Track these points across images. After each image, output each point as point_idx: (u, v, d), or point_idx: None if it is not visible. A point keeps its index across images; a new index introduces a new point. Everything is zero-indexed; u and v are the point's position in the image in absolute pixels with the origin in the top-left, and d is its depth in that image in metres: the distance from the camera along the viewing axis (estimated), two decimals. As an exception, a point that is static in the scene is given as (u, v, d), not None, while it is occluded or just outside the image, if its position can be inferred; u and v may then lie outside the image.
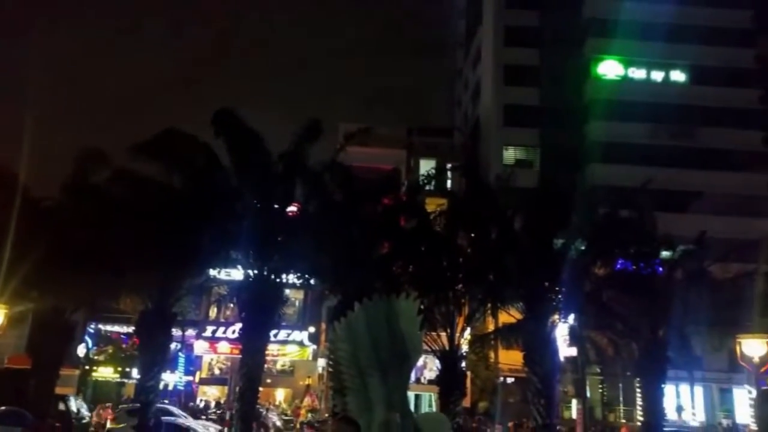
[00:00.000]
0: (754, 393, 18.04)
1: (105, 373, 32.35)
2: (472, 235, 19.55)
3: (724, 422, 30.69)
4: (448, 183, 32.47)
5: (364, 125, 20.26)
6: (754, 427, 18.25)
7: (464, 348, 20.63)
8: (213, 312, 33.72)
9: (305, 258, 17.44)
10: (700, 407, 32.91)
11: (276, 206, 17.07)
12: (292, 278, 18.96)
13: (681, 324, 18.70)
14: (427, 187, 23.07)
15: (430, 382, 27.51)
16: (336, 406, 4.41)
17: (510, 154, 40.42)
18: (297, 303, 33.26)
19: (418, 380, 31.60)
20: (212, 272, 19.26)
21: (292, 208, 18.05)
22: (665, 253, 20.25)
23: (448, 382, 18.22)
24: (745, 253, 23.00)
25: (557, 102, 39.48)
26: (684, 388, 31.48)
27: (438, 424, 4.49)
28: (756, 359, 11.52)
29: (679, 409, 30.57)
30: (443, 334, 18.44)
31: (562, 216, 18.63)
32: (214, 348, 33.17)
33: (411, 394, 30.60)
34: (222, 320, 33.44)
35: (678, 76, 41.25)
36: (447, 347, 18.33)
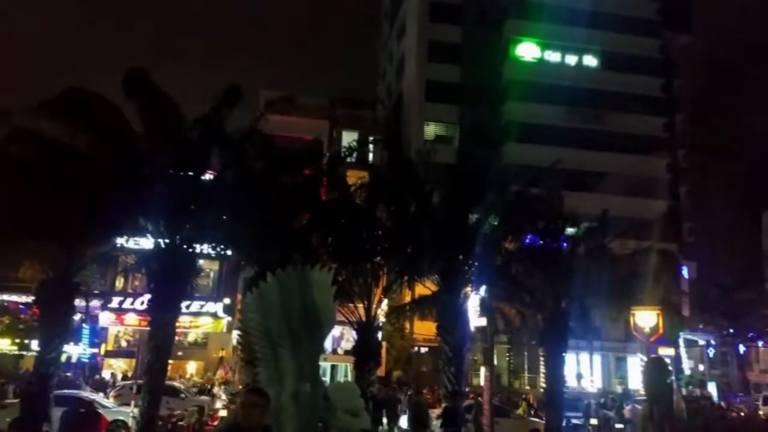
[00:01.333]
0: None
1: (1, 344, 30.43)
2: (392, 208, 19.73)
3: (619, 388, 33.19)
4: (370, 156, 32.55)
5: (286, 93, 19.76)
6: (643, 392, 19.82)
7: (381, 319, 21.00)
8: (120, 282, 32.37)
9: (220, 228, 16.97)
10: (597, 374, 35.42)
11: (190, 173, 16.43)
12: (206, 248, 18.45)
13: (582, 296, 19.84)
14: (349, 159, 23.01)
15: (347, 352, 27.88)
16: (247, 377, 4.36)
17: (431, 130, 40.99)
18: (212, 274, 32.51)
19: (334, 351, 31.94)
20: (120, 240, 18.39)
21: (207, 176, 17.45)
22: (570, 230, 21.32)
23: (364, 353, 18.49)
24: (642, 231, 24.74)
25: (477, 80, 40.30)
26: (584, 356, 33.73)
27: (348, 392, 4.54)
28: (647, 329, 12.49)
29: (579, 376, 32.75)
30: (360, 306, 18.64)
31: (478, 192, 19.18)
32: (120, 320, 31.92)
33: (327, 365, 30.88)
34: (130, 291, 32.18)
35: (590, 61, 43.15)
36: (364, 318, 18.56)
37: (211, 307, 32.37)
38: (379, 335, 21.62)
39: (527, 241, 20.93)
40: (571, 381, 27.99)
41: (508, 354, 35.43)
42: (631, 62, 42.09)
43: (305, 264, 4.81)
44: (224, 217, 16.94)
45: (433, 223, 18.97)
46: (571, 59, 42.84)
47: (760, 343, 41.88)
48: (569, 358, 25.04)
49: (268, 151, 16.98)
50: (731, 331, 39.50)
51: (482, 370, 26.63)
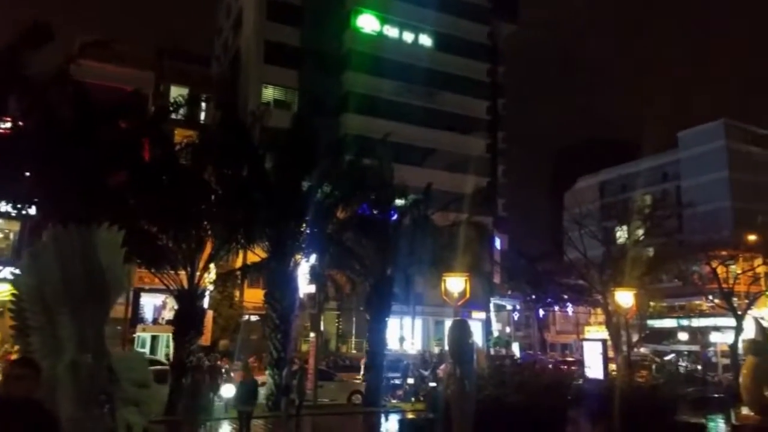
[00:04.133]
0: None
1: None
2: (223, 170, 18.95)
3: (436, 349, 35.71)
4: (202, 115, 30.89)
5: (104, 38, 17.86)
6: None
7: (208, 287, 20.24)
8: None
9: (20, 183, 15.06)
10: (418, 337, 37.77)
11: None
12: (4, 206, 16.30)
13: (407, 264, 20.92)
14: (176, 116, 21.59)
15: (168, 322, 26.51)
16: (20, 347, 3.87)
17: (269, 93, 39.83)
18: (12, 235, 28.79)
19: (155, 321, 30.28)
20: None
21: (4, 125, 15.31)
22: (399, 201, 22.28)
23: (186, 322, 17.74)
24: (462, 204, 26.64)
25: (318, 47, 39.86)
26: (406, 320, 35.68)
27: (134, 363, 4.25)
28: (456, 294, 13.45)
29: (401, 339, 34.65)
30: (183, 273, 17.78)
31: (312, 159, 19.17)
32: None
33: (147, 336, 29.18)
34: None
35: (425, 40, 44.66)
36: (186, 286, 17.76)
37: (10, 272, 28.74)
38: (205, 303, 20.88)
39: (359, 210, 21.46)
40: (393, 344, 29.51)
41: (337, 320, 36.34)
42: (461, 45, 44.41)
43: (120, 226, 4.37)
44: (26, 172, 15.04)
45: (266, 188, 18.62)
46: (408, 36, 44.01)
47: (557, 308, 47.51)
48: (393, 322, 26.34)
49: (79, 100, 15.27)
50: (533, 297, 44.16)
51: (311, 336, 27.06)
